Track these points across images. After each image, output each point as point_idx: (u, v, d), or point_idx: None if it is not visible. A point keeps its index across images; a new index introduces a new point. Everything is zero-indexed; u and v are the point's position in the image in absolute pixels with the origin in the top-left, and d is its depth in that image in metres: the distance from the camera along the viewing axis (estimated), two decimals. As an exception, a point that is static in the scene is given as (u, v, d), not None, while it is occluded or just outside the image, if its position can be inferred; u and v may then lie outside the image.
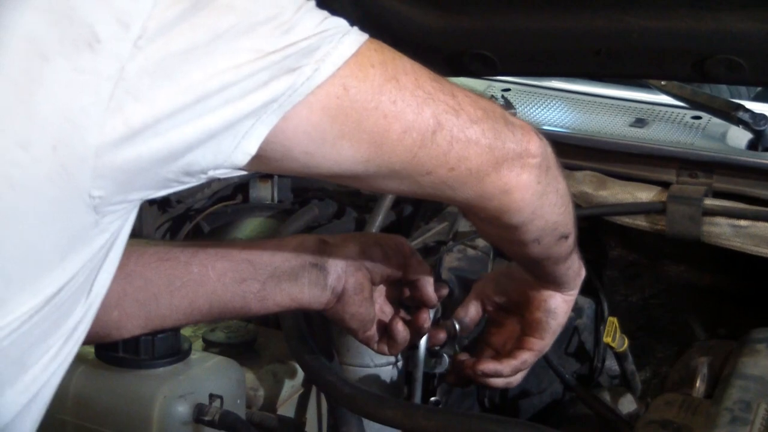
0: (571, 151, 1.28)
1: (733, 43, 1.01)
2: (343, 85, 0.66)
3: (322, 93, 0.64)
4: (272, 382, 1.22)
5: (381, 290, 1.03)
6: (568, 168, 1.28)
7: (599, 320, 1.29)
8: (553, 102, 1.45)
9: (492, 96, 1.41)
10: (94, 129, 0.58)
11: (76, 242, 0.62)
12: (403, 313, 1.03)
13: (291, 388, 1.23)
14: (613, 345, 1.16)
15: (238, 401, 1.07)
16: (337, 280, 0.98)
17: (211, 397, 1.01)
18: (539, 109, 1.42)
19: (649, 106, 1.38)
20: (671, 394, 0.99)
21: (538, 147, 0.78)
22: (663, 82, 1.31)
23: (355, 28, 0.69)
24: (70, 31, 0.57)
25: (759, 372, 0.93)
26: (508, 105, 1.38)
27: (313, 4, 0.67)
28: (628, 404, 1.20)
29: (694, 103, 1.30)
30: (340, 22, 0.69)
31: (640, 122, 1.33)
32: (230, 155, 0.64)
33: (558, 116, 1.40)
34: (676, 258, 1.28)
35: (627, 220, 1.20)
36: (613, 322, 1.16)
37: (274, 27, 0.62)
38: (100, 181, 0.59)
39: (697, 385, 0.99)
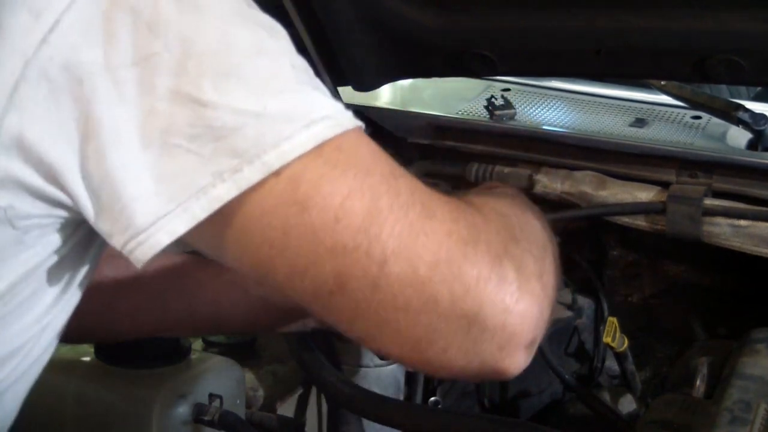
0: (571, 150, 1.28)
1: (733, 43, 1.01)
2: (253, 196, 0.52)
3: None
4: (272, 382, 1.22)
5: None
6: (568, 168, 1.28)
7: (599, 320, 1.29)
8: (553, 102, 1.45)
9: (492, 96, 1.41)
10: None
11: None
12: None
13: (291, 388, 1.23)
14: (613, 345, 1.16)
15: (238, 401, 1.07)
16: None
17: (211, 397, 1.02)
18: (539, 109, 1.42)
19: (649, 106, 1.38)
20: (671, 394, 0.99)
21: (510, 368, 0.58)
22: (663, 82, 1.31)
23: (331, 120, 0.53)
24: None
25: (759, 372, 0.93)
26: (508, 105, 1.38)
27: (300, 61, 0.55)
28: (628, 404, 1.20)
29: (693, 103, 1.30)
30: (310, 103, 0.53)
31: (639, 122, 1.33)
32: (127, 245, 0.52)
33: (558, 116, 1.40)
34: (676, 258, 1.28)
35: (627, 220, 1.20)
36: (613, 322, 1.16)
37: (209, 67, 0.50)
38: (2, 191, 0.51)
39: (697, 385, 0.99)
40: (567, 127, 1.36)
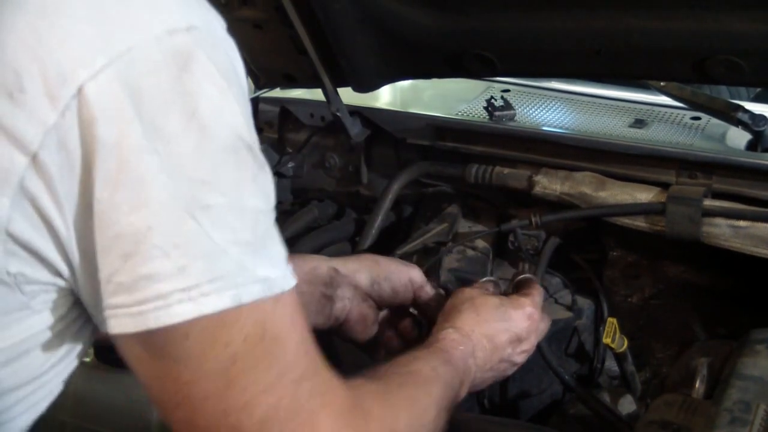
0: (571, 151, 1.28)
1: (733, 43, 1.01)
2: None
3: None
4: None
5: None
6: (567, 168, 1.28)
7: (599, 321, 1.29)
8: (553, 103, 1.45)
9: (491, 97, 1.41)
10: (4, 200, 0.50)
11: (3, 319, 0.56)
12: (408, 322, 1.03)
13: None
14: (612, 346, 1.16)
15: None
16: (341, 309, 0.98)
17: (211, 397, 1.01)
18: (539, 110, 1.42)
19: (649, 107, 1.38)
20: (671, 395, 0.99)
21: None
22: (662, 83, 1.31)
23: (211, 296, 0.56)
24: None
25: (759, 372, 0.93)
26: (507, 106, 1.38)
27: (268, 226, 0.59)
28: (627, 405, 1.20)
29: (693, 104, 1.30)
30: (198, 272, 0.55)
31: (639, 123, 1.33)
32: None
33: (557, 117, 1.40)
34: (676, 258, 1.28)
35: (626, 221, 1.20)
36: (612, 322, 1.16)
37: (195, 196, 0.53)
38: (13, 258, 0.53)
39: (697, 385, 0.99)
40: (567, 128, 1.36)
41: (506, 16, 1.14)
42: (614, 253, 1.33)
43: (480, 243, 1.33)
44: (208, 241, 0.54)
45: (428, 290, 1.02)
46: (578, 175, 1.26)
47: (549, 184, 1.27)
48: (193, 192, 0.53)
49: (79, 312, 0.61)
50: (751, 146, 1.22)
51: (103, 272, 0.53)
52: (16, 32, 0.48)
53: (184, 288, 0.53)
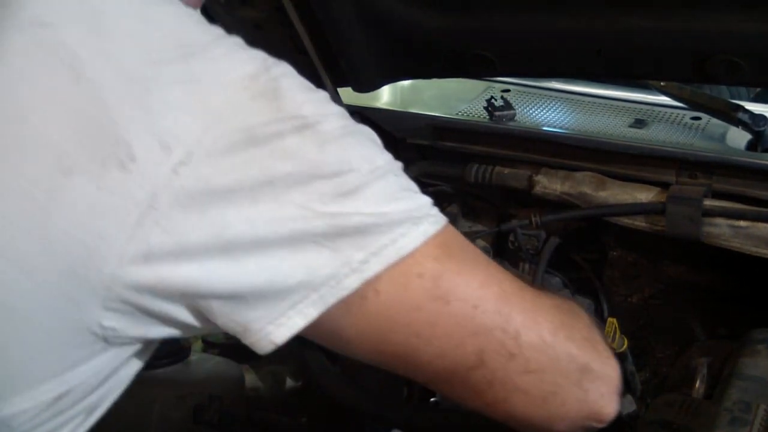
0: (571, 151, 1.29)
1: (733, 43, 1.01)
2: (376, 288, 0.56)
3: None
4: (272, 382, 1.22)
5: None
6: (567, 168, 1.28)
7: (599, 321, 1.30)
8: (553, 103, 1.45)
9: (492, 97, 1.41)
10: (110, 258, 0.51)
11: (78, 364, 0.56)
12: None
13: (291, 388, 1.23)
14: (612, 345, 1.16)
15: (238, 402, 1.07)
16: None
17: (211, 398, 1.02)
18: (539, 110, 1.42)
19: (649, 107, 1.38)
20: (671, 395, 0.99)
21: (610, 412, 0.67)
22: (663, 83, 1.31)
23: (430, 218, 0.59)
24: (103, 147, 0.49)
25: (759, 372, 0.93)
26: (507, 106, 1.38)
27: (395, 168, 0.59)
28: (628, 405, 1.20)
29: (693, 104, 1.30)
30: (415, 203, 0.58)
31: (639, 123, 1.33)
32: (253, 336, 0.57)
33: (557, 117, 1.40)
34: (676, 258, 1.28)
35: (626, 221, 1.20)
36: (612, 322, 1.16)
37: (334, 185, 0.54)
38: (113, 314, 0.53)
39: (697, 385, 0.99)
40: (567, 128, 1.36)
41: (506, 16, 1.14)
42: (614, 253, 1.33)
43: (480, 243, 1.33)
44: (361, 218, 0.55)
45: None
46: (578, 175, 1.26)
47: (549, 183, 1.27)
48: (329, 190, 0.54)
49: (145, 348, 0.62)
50: (751, 146, 1.22)
51: (269, 289, 0.55)
52: (123, 104, 0.50)
53: (345, 263, 0.55)
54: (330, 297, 0.55)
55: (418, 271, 0.57)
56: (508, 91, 1.48)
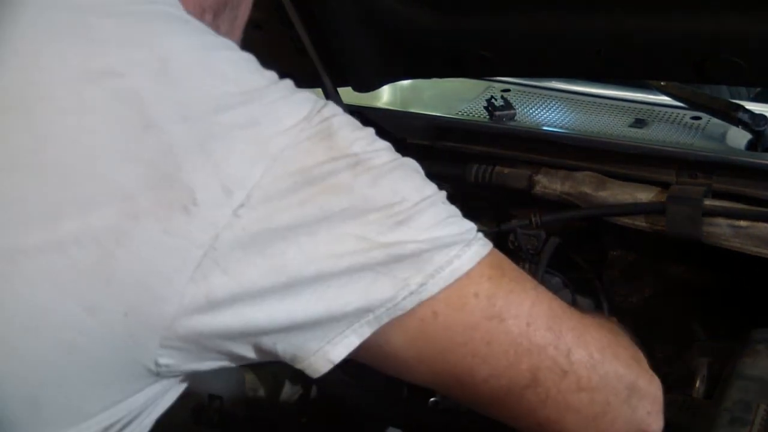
0: (571, 151, 1.28)
1: (733, 43, 1.01)
2: (434, 309, 0.58)
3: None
4: (272, 383, 1.22)
5: None
6: (567, 168, 1.28)
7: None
8: (553, 102, 1.45)
9: (492, 97, 1.41)
10: (172, 298, 0.52)
11: (127, 397, 0.57)
12: None
13: (291, 388, 1.23)
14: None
15: (238, 402, 1.07)
16: None
17: (211, 398, 1.02)
18: (539, 110, 1.42)
19: (649, 107, 1.38)
20: (671, 395, 0.99)
21: (657, 429, 0.69)
22: (662, 83, 1.31)
23: (479, 241, 0.61)
24: (169, 192, 0.51)
25: (759, 372, 0.93)
26: (507, 106, 1.38)
27: (441, 197, 0.62)
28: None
29: (693, 104, 1.30)
30: (463, 227, 0.61)
31: (639, 123, 1.33)
32: (312, 362, 0.58)
33: (557, 117, 1.40)
34: (676, 258, 1.28)
35: (627, 221, 1.20)
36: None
37: (388, 215, 0.57)
38: (169, 351, 0.54)
39: (697, 385, 0.99)
40: (567, 128, 1.36)
41: (506, 16, 1.14)
42: (614, 253, 1.33)
43: (480, 243, 1.33)
44: (415, 245, 0.57)
45: None
46: (578, 174, 1.26)
47: (549, 183, 1.27)
48: (384, 220, 0.57)
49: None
50: (752, 146, 1.22)
51: (327, 316, 0.57)
52: (187, 150, 0.52)
53: (405, 288, 0.57)
54: (385, 317, 0.57)
55: (474, 291, 0.59)
56: (508, 91, 1.48)
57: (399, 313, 0.57)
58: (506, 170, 1.33)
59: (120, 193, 0.50)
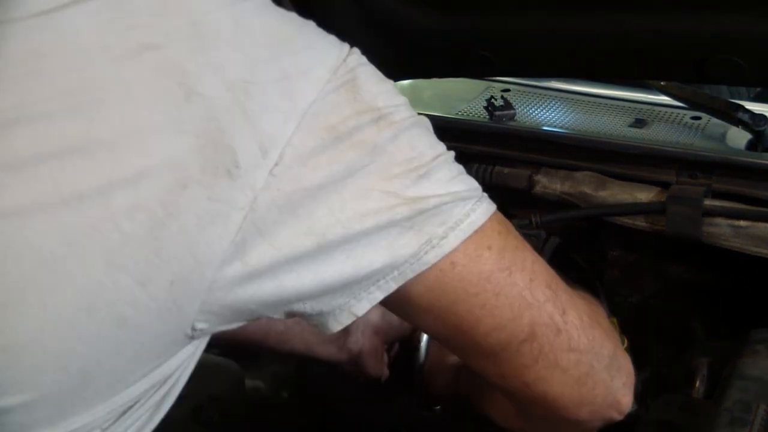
0: (571, 151, 1.28)
1: (733, 43, 1.01)
2: (452, 260, 0.60)
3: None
4: (272, 382, 1.22)
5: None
6: (567, 168, 1.28)
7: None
8: (553, 102, 1.45)
9: (492, 97, 1.41)
10: (214, 263, 0.52)
11: (164, 362, 0.58)
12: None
13: (291, 388, 1.23)
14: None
15: (238, 402, 1.07)
16: (355, 342, 1.02)
17: (211, 398, 1.01)
18: (539, 110, 1.42)
19: (649, 107, 1.38)
20: (671, 395, 0.99)
21: (628, 403, 0.71)
22: (663, 83, 1.31)
23: (486, 197, 0.65)
24: (214, 156, 0.51)
25: (759, 373, 0.93)
26: (507, 106, 1.38)
27: (451, 156, 0.64)
28: (627, 404, 1.20)
29: (693, 104, 1.30)
30: (473, 184, 0.64)
31: (639, 123, 1.33)
32: (336, 314, 0.60)
33: (557, 116, 1.40)
34: (676, 258, 1.28)
35: (627, 221, 1.20)
36: (613, 322, 1.16)
37: (409, 170, 0.58)
38: (206, 315, 0.55)
39: (697, 385, 0.99)
40: (567, 128, 1.36)
41: (506, 16, 1.14)
42: (614, 253, 1.33)
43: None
44: (436, 199, 0.59)
45: None
46: (578, 174, 1.26)
47: (549, 183, 1.27)
48: (405, 174, 0.57)
49: None
50: (752, 146, 1.22)
51: (353, 276, 0.58)
52: (228, 113, 0.52)
53: (425, 242, 0.58)
54: (410, 272, 0.58)
55: (488, 243, 0.61)
56: (508, 91, 1.48)
57: (423, 268, 0.58)
58: (506, 170, 1.33)
59: (168, 164, 0.50)
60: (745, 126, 1.21)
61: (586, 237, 1.33)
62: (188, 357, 0.61)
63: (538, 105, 1.44)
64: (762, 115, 1.21)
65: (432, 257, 0.58)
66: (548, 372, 0.65)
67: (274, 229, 0.53)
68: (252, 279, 0.54)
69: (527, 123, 1.37)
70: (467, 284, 0.60)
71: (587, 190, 1.24)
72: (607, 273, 1.33)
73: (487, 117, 1.38)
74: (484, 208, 0.63)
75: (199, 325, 0.55)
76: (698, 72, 1.07)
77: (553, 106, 1.43)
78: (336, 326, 0.61)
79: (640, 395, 1.22)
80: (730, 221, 1.12)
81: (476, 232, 0.60)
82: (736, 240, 1.12)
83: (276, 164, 0.53)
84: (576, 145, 1.28)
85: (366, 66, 0.60)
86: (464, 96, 1.48)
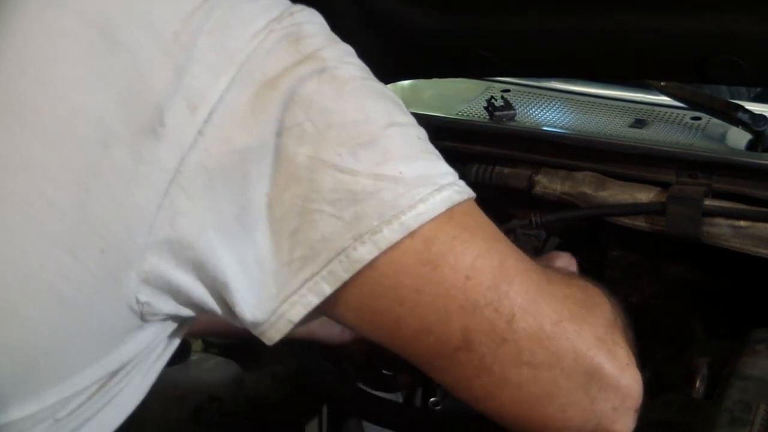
0: (571, 151, 1.28)
1: (733, 43, 1.01)
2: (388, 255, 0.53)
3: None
4: (272, 382, 1.22)
5: None
6: (568, 168, 1.28)
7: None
8: (553, 102, 1.45)
9: (492, 97, 1.41)
10: (143, 228, 0.49)
11: (115, 348, 0.54)
12: None
13: (291, 388, 1.23)
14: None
15: (238, 402, 1.07)
16: None
17: (211, 398, 1.02)
18: (539, 110, 1.42)
19: (649, 107, 1.38)
20: (671, 395, 0.99)
21: (622, 430, 0.61)
22: (663, 83, 1.31)
23: (454, 185, 0.56)
24: (138, 116, 0.48)
25: (759, 372, 0.93)
26: (507, 106, 1.38)
27: (420, 132, 0.58)
28: (627, 405, 1.20)
29: (693, 104, 1.30)
30: (439, 169, 0.56)
31: (639, 123, 1.33)
32: (269, 322, 0.54)
33: (558, 117, 1.40)
34: (676, 258, 1.28)
35: (627, 221, 1.20)
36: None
37: (348, 136, 0.51)
38: (147, 288, 0.51)
39: (697, 385, 0.99)
40: (567, 128, 1.36)
41: (506, 16, 1.14)
42: (614, 253, 1.33)
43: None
44: (368, 181, 0.51)
45: None
46: (578, 174, 1.26)
47: (549, 183, 1.27)
48: (343, 139, 0.51)
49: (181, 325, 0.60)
50: (752, 146, 1.22)
51: (278, 262, 0.52)
52: (155, 66, 0.48)
53: (354, 236, 0.51)
54: (343, 273, 0.52)
55: (424, 235, 0.53)
56: (508, 91, 1.48)
57: (359, 266, 0.52)
58: (506, 170, 1.33)
59: (92, 124, 0.47)
60: (745, 126, 1.21)
61: (586, 237, 1.33)
62: (146, 348, 0.57)
63: (538, 105, 1.44)
64: (762, 115, 1.20)
65: (366, 253, 0.51)
66: (496, 388, 0.56)
67: (203, 194, 0.49)
68: (183, 248, 0.50)
69: (527, 123, 1.37)
70: (380, 275, 0.53)
71: (587, 190, 1.24)
72: (607, 273, 1.33)
73: (487, 117, 1.38)
74: (440, 200, 0.54)
75: (143, 297, 0.52)
76: (698, 72, 1.07)
77: (553, 106, 1.43)
78: (272, 338, 0.55)
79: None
80: (730, 221, 1.12)
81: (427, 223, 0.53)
82: (736, 240, 1.12)
83: (205, 122, 0.49)
84: (576, 145, 1.28)
85: (319, 25, 0.55)
86: (464, 96, 1.48)
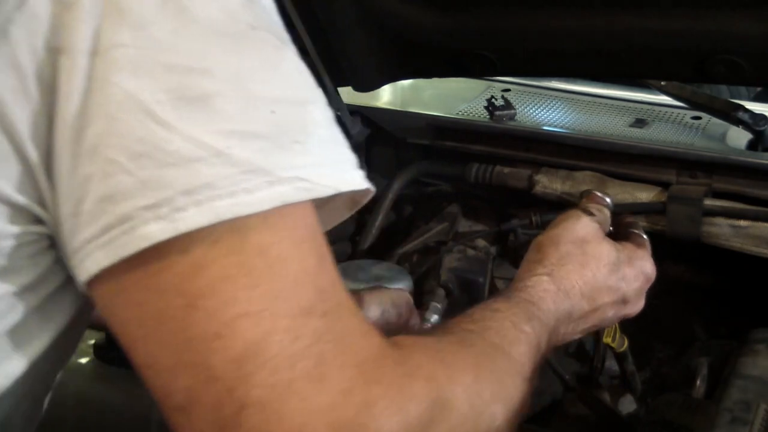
0: (571, 151, 1.28)
1: (733, 43, 1.01)
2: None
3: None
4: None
5: None
6: (568, 168, 1.28)
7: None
8: (553, 102, 1.45)
9: (492, 96, 1.41)
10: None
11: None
12: None
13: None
14: (613, 345, 1.16)
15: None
16: None
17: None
18: (539, 110, 1.42)
19: (649, 107, 1.38)
20: (671, 395, 0.99)
21: None
22: (663, 83, 1.31)
23: (296, 184, 0.44)
24: None
25: (759, 372, 0.93)
26: (508, 106, 1.38)
27: (319, 104, 0.47)
28: (628, 404, 1.20)
29: (693, 104, 1.30)
30: (280, 159, 0.44)
31: (639, 122, 1.33)
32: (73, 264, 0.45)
33: (558, 116, 1.40)
34: (676, 258, 1.28)
35: (627, 221, 1.20)
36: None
37: (177, 83, 0.42)
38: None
39: (697, 385, 0.99)
40: (567, 128, 1.36)
41: (506, 15, 1.14)
42: (614, 253, 1.33)
43: (480, 242, 1.33)
44: (184, 144, 0.42)
45: (414, 310, 1.03)
46: (579, 174, 1.26)
47: (549, 183, 1.27)
48: (169, 85, 0.42)
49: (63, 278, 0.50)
50: (752, 146, 1.22)
51: (71, 205, 0.44)
52: None
53: (147, 205, 0.42)
54: (121, 250, 0.43)
55: (216, 237, 0.43)
56: (508, 90, 1.48)
57: (143, 244, 0.42)
58: (506, 170, 1.33)
59: None
60: (745, 126, 1.21)
61: (586, 237, 1.33)
62: (39, 274, 0.48)
63: (538, 105, 1.44)
64: (762, 115, 1.21)
65: (158, 231, 0.42)
66: None
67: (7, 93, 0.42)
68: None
69: (527, 123, 1.37)
70: (164, 267, 0.43)
71: (587, 190, 1.24)
72: (607, 273, 1.33)
73: (488, 117, 1.38)
74: (267, 196, 0.43)
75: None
76: (698, 72, 1.07)
77: (553, 106, 1.43)
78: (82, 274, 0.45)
79: (640, 395, 1.22)
80: (730, 221, 1.12)
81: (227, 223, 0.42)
82: (736, 240, 1.12)
83: (10, 17, 0.42)
84: (576, 145, 1.28)
85: None
86: (464, 96, 1.48)
